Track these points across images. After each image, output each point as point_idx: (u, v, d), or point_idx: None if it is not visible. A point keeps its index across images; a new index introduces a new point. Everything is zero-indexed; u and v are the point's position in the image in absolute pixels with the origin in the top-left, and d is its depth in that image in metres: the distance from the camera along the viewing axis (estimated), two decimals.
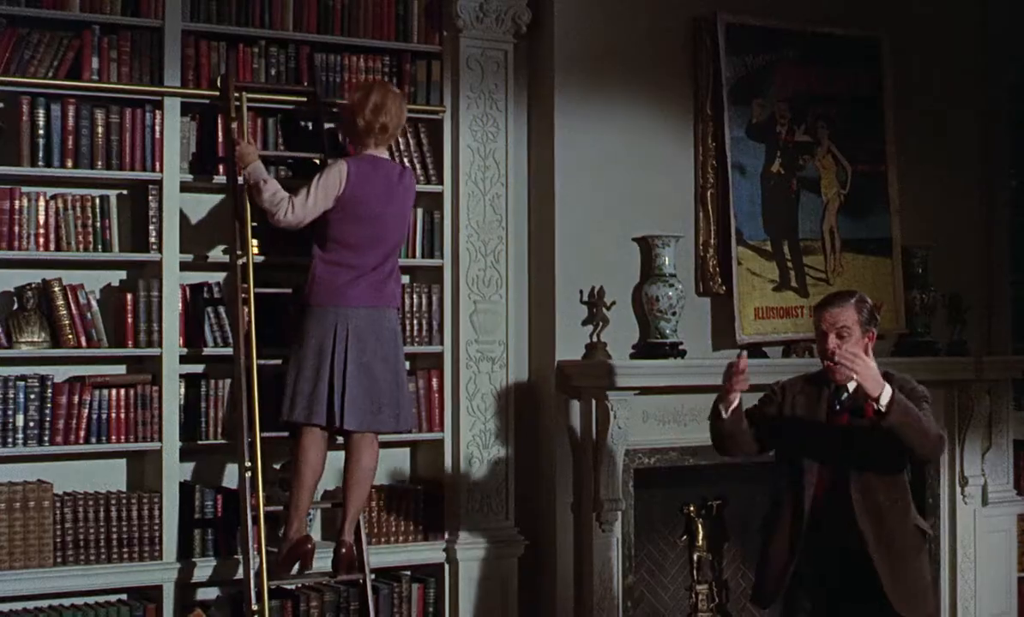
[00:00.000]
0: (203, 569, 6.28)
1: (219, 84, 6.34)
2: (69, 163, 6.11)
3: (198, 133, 6.37)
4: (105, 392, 6.14)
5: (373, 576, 6.32)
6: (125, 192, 6.31)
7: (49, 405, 6.04)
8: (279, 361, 6.25)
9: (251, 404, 5.99)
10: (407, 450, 6.97)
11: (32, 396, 6.01)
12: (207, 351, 6.34)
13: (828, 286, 7.63)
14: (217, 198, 6.52)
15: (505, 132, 6.96)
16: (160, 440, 6.20)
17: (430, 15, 6.84)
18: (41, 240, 6.08)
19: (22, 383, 6.00)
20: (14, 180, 6.07)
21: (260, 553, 5.89)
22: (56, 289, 6.09)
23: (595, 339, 7.03)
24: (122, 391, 6.16)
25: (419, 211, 6.77)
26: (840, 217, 7.83)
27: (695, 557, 7.61)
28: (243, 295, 6.14)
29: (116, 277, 6.37)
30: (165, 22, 6.27)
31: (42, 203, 6.09)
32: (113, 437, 6.15)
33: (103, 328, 6.18)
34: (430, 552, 6.77)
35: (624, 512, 7.07)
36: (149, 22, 6.27)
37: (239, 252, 6.17)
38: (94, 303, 6.17)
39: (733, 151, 7.46)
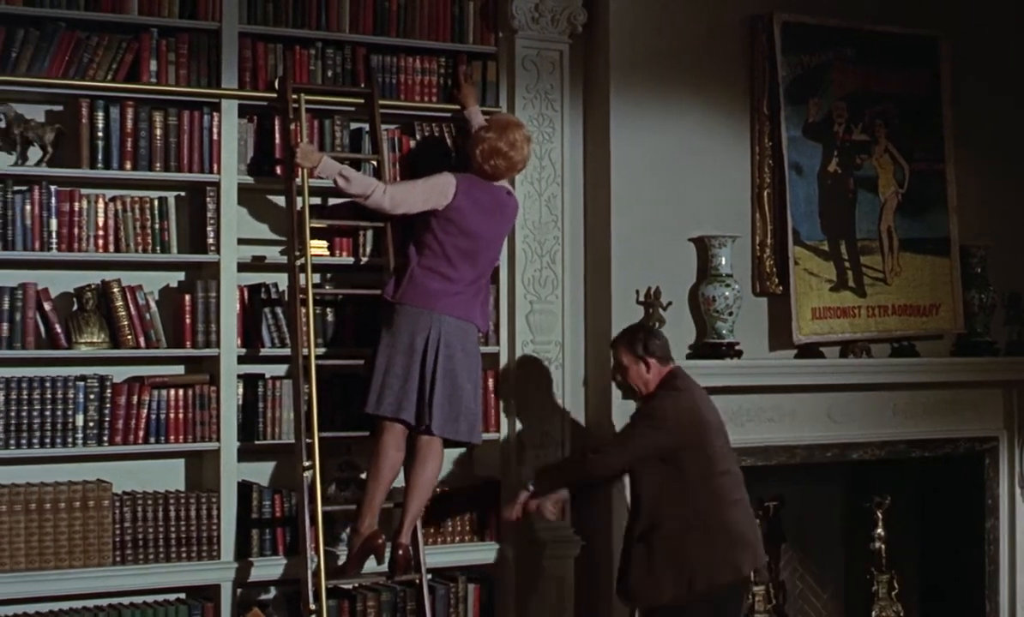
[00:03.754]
0: (260, 569, 6.31)
1: (276, 86, 6.37)
2: (128, 165, 6.15)
3: (256, 135, 6.40)
4: (163, 392, 6.18)
5: (430, 576, 6.36)
6: (183, 194, 6.35)
7: (108, 405, 6.09)
8: (338, 361, 6.36)
9: (310, 405, 6.04)
10: (463, 449, 6.96)
11: (92, 396, 6.06)
12: (264, 351, 6.37)
13: (885, 286, 7.60)
14: (274, 199, 6.55)
15: (561, 132, 6.95)
16: (218, 440, 6.24)
17: (485, 16, 6.84)
18: (100, 242, 6.13)
19: (82, 383, 6.06)
20: (74, 182, 6.12)
21: (318, 553, 5.91)
22: (115, 290, 6.13)
23: None
24: (180, 391, 6.21)
25: None
26: (898, 216, 7.78)
27: None
28: (301, 296, 6.17)
29: (174, 278, 6.42)
30: (222, 24, 6.30)
31: (101, 205, 6.14)
32: (171, 437, 6.20)
33: (161, 329, 6.22)
34: (486, 552, 6.77)
35: None
36: (206, 25, 6.31)
37: (297, 253, 6.19)
38: (153, 304, 6.21)
39: (790, 150, 7.43)
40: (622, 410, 6.94)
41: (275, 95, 6.38)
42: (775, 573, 7.67)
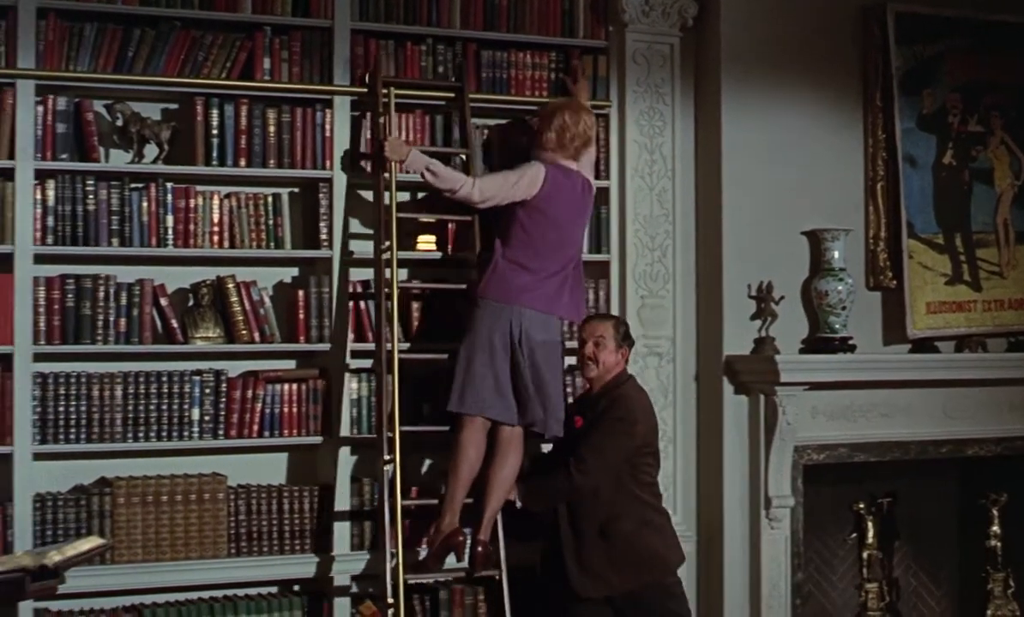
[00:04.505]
0: (374, 561, 6.33)
1: (367, 80, 6.38)
2: (242, 162, 6.22)
3: (370, 131, 6.43)
4: (278, 386, 6.25)
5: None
6: (296, 190, 6.41)
7: (224, 399, 6.17)
8: (427, 356, 6.33)
9: (392, 399, 6.01)
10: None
11: (207, 390, 6.14)
12: (373, 347, 6.39)
13: (1001, 279, 7.48)
14: (386, 195, 6.58)
15: (672, 126, 6.93)
16: (329, 434, 6.29)
17: (596, 10, 6.83)
18: (215, 238, 6.20)
19: (197, 378, 6.14)
20: (189, 179, 6.21)
21: (397, 548, 5.87)
22: (230, 286, 6.21)
23: (763, 334, 6.97)
24: (294, 385, 6.26)
25: None
26: (1014, 209, 7.64)
27: (865, 555, 7.51)
28: (386, 290, 6.16)
29: (288, 274, 6.48)
30: (334, 22, 6.35)
31: (216, 201, 6.22)
32: (285, 431, 6.26)
33: (275, 324, 6.28)
34: None
35: (793, 509, 7.00)
36: (319, 22, 6.36)
37: (384, 246, 6.17)
38: (267, 299, 6.28)
39: (904, 142, 7.33)
40: (734, 406, 6.94)
41: (366, 89, 6.38)
42: (888, 570, 7.59)
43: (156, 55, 6.13)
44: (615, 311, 6.76)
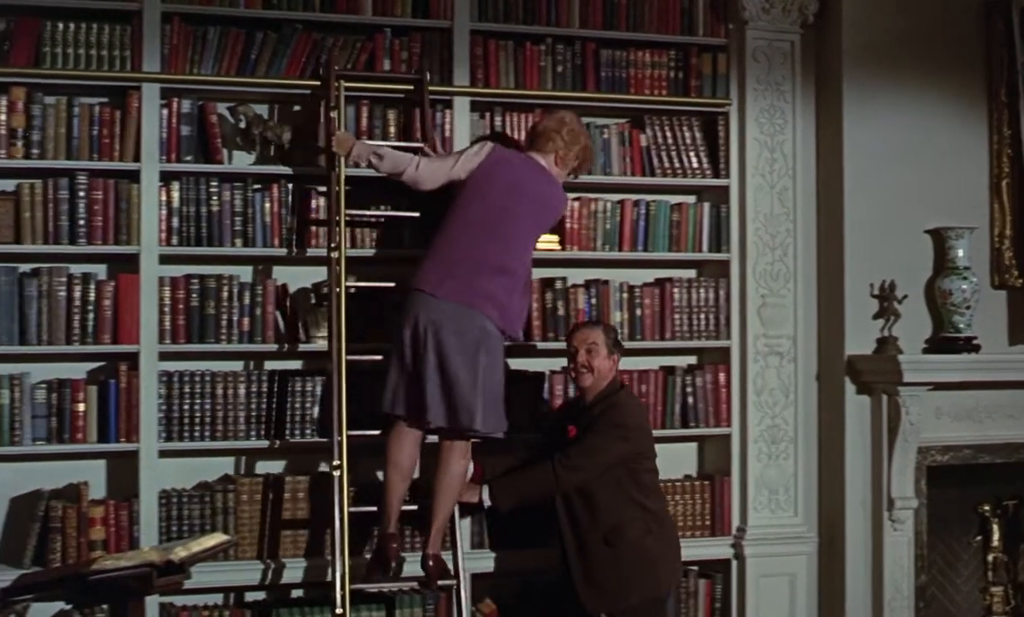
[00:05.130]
0: (483, 561, 6.36)
1: (321, 73, 6.21)
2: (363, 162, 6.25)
3: (489, 131, 6.46)
4: None
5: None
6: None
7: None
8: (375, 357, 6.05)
9: (340, 401, 5.77)
10: (694, 445, 6.94)
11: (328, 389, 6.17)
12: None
13: None
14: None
15: (792, 124, 6.86)
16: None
17: (715, 7, 6.79)
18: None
19: (320, 376, 6.18)
20: (316, 180, 6.26)
21: (344, 556, 5.60)
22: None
23: (886, 333, 6.88)
24: None
25: (706, 206, 6.76)
26: None
27: (990, 558, 7.38)
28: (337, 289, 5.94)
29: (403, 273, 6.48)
30: (454, 23, 6.38)
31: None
32: None
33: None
34: (717, 548, 6.73)
35: (916, 510, 6.91)
36: (438, 23, 6.39)
37: (333, 245, 5.94)
38: None
39: None
40: (856, 406, 6.87)
41: (318, 83, 6.23)
42: (1013, 574, 7.45)
43: (278, 57, 6.20)
44: (735, 310, 6.73)
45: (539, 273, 6.50)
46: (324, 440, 6.03)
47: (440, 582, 5.83)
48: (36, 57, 5.98)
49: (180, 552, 5.14)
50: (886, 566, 6.87)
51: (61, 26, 5.97)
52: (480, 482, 5.96)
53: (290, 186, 6.20)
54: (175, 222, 6.07)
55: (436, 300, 5.64)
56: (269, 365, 6.21)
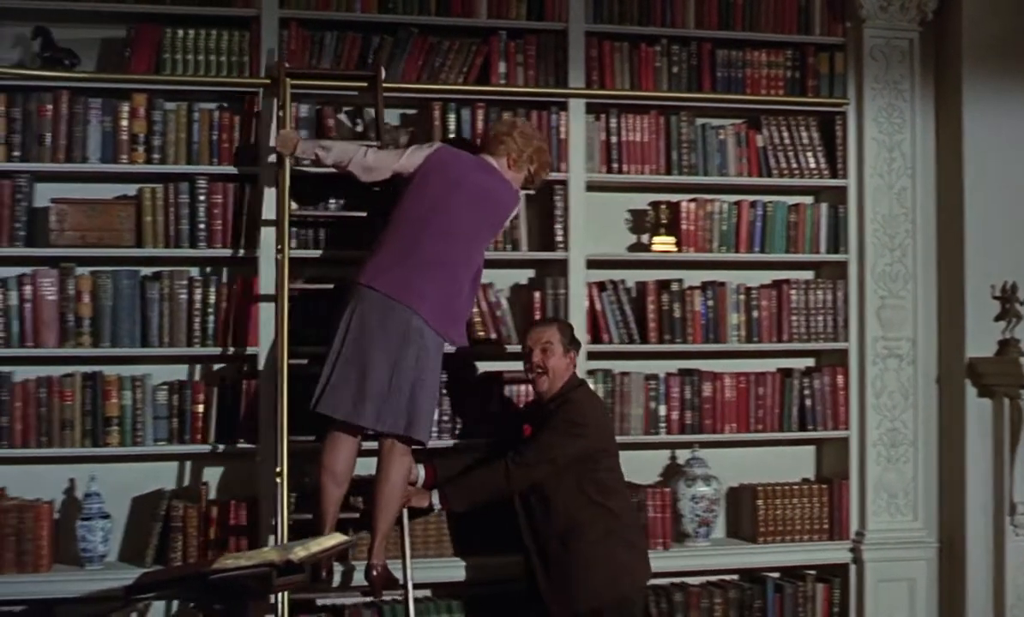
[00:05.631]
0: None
1: (273, 72, 6.06)
2: None
3: (604, 132, 6.44)
4: (516, 388, 6.28)
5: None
6: (532, 192, 6.44)
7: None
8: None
9: (281, 406, 5.60)
10: (812, 448, 6.88)
11: (444, 392, 6.19)
12: (611, 347, 6.42)
13: None
14: (623, 197, 6.62)
15: (911, 123, 6.78)
16: None
17: (832, 6, 6.73)
18: None
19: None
20: None
21: None
22: None
23: (1008, 335, 6.77)
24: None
25: (823, 206, 6.70)
26: None
27: None
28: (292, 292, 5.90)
29: (524, 275, 6.54)
30: (569, 24, 6.37)
31: None
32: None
33: (513, 325, 6.32)
34: (835, 552, 6.66)
35: None
36: (553, 25, 6.40)
37: (278, 247, 5.85)
38: (504, 301, 6.32)
39: None
40: (977, 409, 6.77)
41: (269, 81, 6.08)
42: None
43: (395, 61, 6.23)
44: (854, 312, 6.67)
45: (655, 274, 6.51)
46: (447, 442, 6.07)
47: (385, 592, 5.70)
48: (156, 64, 6.07)
49: (300, 552, 5.15)
50: (1008, 572, 6.77)
51: (181, 33, 6.06)
52: (431, 486, 5.81)
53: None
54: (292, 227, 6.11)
55: (368, 291, 5.50)
56: None
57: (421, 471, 5.83)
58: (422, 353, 5.50)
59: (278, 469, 5.52)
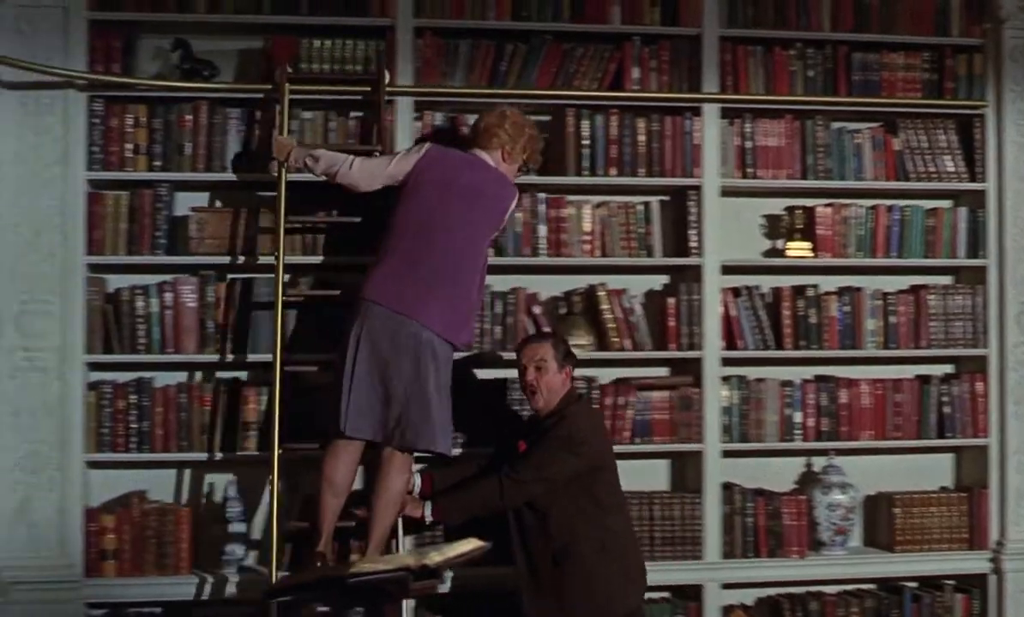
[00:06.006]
0: (742, 570, 6.32)
1: (276, 78, 6.02)
2: (612, 171, 6.27)
3: (738, 137, 6.41)
4: (649, 394, 6.27)
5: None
6: (666, 198, 6.42)
7: (596, 406, 6.21)
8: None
9: (281, 416, 5.58)
10: (950, 456, 6.77)
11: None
12: (746, 353, 6.38)
13: None
14: (758, 202, 6.59)
15: None
16: (702, 441, 6.28)
17: (970, 7, 6.62)
18: (586, 247, 6.28)
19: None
20: (561, 189, 6.31)
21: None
22: (601, 294, 6.27)
23: None
24: (665, 393, 6.28)
25: (962, 210, 6.60)
26: None
27: None
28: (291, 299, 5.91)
29: (658, 282, 6.51)
30: (703, 29, 6.34)
31: (587, 211, 6.29)
32: (656, 438, 6.28)
33: (647, 332, 6.30)
34: (975, 562, 6.54)
35: None
36: (687, 30, 6.37)
37: (274, 253, 5.78)
38: (637, 307, 6.31)
39: None
40: None
41: (270, 87, 6.06)
42: None
43: (528, 69, 6.25)
44: (993, 318, 6.56)
45: (790, 280, 6.47)
46: None
47: None
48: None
49: (435, 557, 5.19)
50: None
51: (317, 43, 6.12)
52: (427, 496, 5.71)
53: (541, 195, 6.24)
54: None
55: (375, 307, 5.40)
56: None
57: (418, 480, 5.76)
58: (434, 365, 5.42)
59: (270, 477, 5.50)
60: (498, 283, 6.23)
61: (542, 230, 6.23)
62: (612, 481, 5.63)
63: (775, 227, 6.60)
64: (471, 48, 6.24)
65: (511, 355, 5.95)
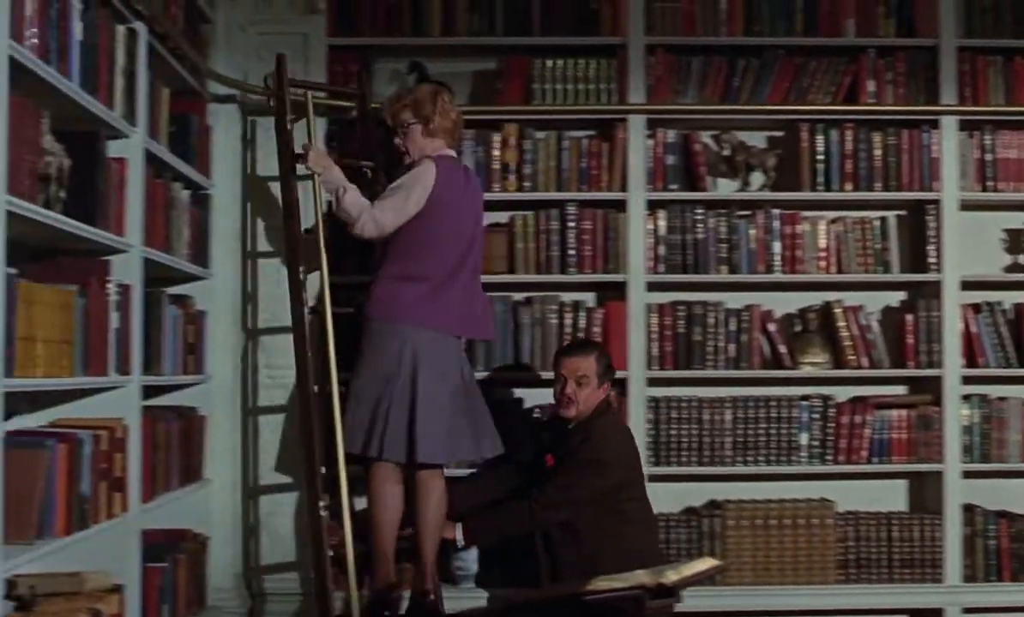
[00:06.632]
0: (985, 594, 6.17)
1: (271, 84, 5.73)
2: (848, 186, 6.20)
3: (978, 149, 6.26)
4: (887, 412, 6.17)
5: None
6: (903, 213, 6.32)
7: (831, 424, 6.16)
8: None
9: (332, 434, 5.27)
10: None
11: (815, 415, 6.16)
12: (987, 371, 6.24)
13: None
14: (999, 215, 6.44)
15: None
16: (942, 461, 6.15)
17: None
18: (822, 263, 6.21)
19: (805, 402, 6.16)
20: (795, 205, 6.26)
21: (350, 595, 5.19)
22: (837, 311, 6.20)
23: None
24: (904, 412, 6.18)
25: None
26: None
27: None
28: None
29: (895, 298, 6.41)
30: (940, 40, 6.22)
31: (822, 227, 6.23)
32: (895, 457, 6.18)
33: (884, 349, 6.21)
34: None
35: None
36: (924, 41, 6.26)
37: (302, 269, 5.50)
38: (875, 324, 6.23)
39: None
40: None
41: (270, 91, 5.74)
42: None
43: (761, 84, 6.22)
44: None
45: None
46: (814, 467, 5.99)
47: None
48: (526, 94, 6.20)
49: (672, 576, 5.18)
50: None
51: (550, 63, 6.17)
52: (452, 517, 5.55)
53: (775, 212, 6.19)
54: (661, 250, 6.17)
55: (410, 329, 5.22)
56: (755, 391, 6.20)
57: None
58: (472, 371, 5.51)
59: (322, 503, 5.24)
60: (732, 301, 6.22)
61: (776, 247, 6.19)
62: (638, 495, 5.61)
63: (1016, 241, 6.44)
64: (703, 64, 6.23)
65: (703, 373, 6.08)
